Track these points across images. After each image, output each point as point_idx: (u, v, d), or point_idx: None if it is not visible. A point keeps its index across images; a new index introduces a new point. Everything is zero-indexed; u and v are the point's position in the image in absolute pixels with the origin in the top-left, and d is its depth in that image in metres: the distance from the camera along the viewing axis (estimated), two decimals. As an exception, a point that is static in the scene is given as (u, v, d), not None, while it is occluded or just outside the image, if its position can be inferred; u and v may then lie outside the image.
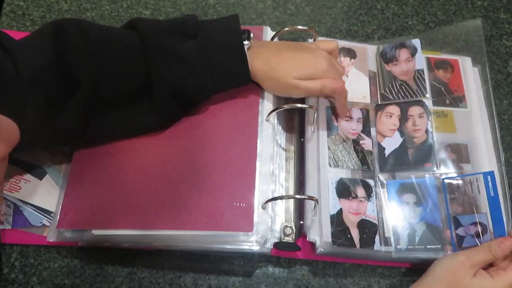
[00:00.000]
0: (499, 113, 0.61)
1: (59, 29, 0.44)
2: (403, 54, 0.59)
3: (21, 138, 0.42)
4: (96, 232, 0.48)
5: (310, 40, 0.60)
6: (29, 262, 0.51)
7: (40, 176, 0.53)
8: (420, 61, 0.58)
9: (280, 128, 0.54)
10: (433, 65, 0.59)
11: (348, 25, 0.68)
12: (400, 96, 0.57)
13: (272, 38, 0.57)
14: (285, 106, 0.51)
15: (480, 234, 0.48)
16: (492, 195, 0.50)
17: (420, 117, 0.55)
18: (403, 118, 0.55)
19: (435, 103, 0.56)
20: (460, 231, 0.49)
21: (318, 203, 0.47)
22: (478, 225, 0.49)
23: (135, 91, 0.47)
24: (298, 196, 0.49)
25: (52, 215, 0.51)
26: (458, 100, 0.57)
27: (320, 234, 0.48)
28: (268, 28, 0.59)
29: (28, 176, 0.53)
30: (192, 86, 0.47)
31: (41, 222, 0.51)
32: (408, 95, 0.57)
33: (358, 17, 0.69)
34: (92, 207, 0.48)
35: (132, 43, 0.46)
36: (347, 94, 0.53)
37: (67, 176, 0.51)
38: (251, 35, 0.50)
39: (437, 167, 0.52)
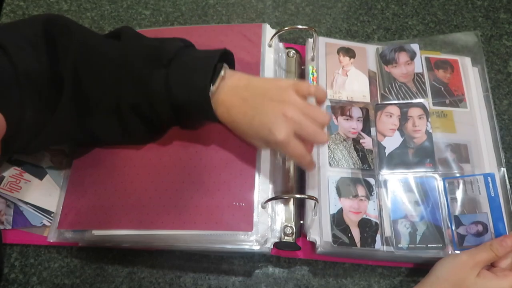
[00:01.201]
0: (499, 113, 0.61)
1: (48, 34, 0.43)
2: (402, 57, 0.60)
3: (23, 140, 0.42)
4: (96, 232, 0.48)
5: (310, 40, 0.60)
6: (29, 262, 0.51)
7: (40, 176, 0.53)
8: (419, 64, 0.59)
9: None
10: (433, 65, 0.59)
11: (348, 25, 0.68)
12: (400, 97, 0.57)
13: (272, 37, 0.57)
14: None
15: (481, 234, 0.48)
16: (493, 195, 0.50)
17: (420, 118, 0.55)
18: (403, 118, 0.56)
19: (435, 103, 0.56)
20: (461, 230, 0.49)
21: (318, 202, 0.47)
22: (479, 225, 0.49)
23: (114, 105, 0.46)
24: (298, 196, 0.49)
25: (52, 215, 0.51)
26: (458, 100, 0.57)
27: (320, 234, 0.48)
28: (268, 26, 0.58)
29: (28, 176, 0.53)
30: (165, 118, 0.47)
31: (41, 222, 0.51)
32: (408, 97, 0.57)
33: (358, 17, 0.69)
34: (92, 207, 0.48)
35: (112, 64, 0.45)
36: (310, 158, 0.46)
37: (67, 176, 0.51)
38: (221, 73, 0.44)
39: (437, 167, 0.52)
